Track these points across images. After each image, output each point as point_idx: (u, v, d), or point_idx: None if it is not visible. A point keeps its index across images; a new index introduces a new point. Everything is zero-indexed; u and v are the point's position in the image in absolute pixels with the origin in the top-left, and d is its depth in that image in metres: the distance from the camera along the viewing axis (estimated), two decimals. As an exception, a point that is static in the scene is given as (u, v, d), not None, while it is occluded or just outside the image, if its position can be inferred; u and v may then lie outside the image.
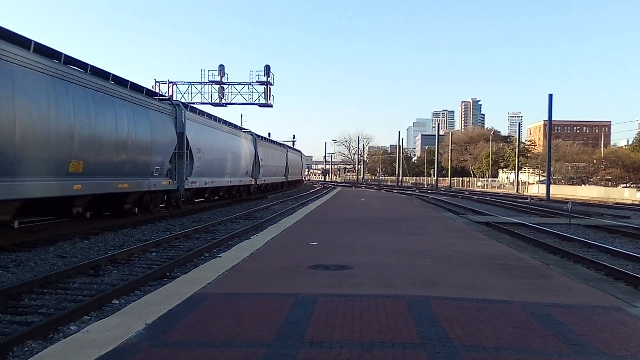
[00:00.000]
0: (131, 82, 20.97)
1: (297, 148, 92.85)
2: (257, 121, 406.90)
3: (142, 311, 6.35)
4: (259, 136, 46.80)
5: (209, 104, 55.68)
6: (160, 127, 22.95)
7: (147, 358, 4.79)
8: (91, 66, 17.79)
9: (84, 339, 5.35)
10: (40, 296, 9.25)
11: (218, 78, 55.97)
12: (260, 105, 56.70)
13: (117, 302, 8.81)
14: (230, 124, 37.93)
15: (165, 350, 5.00)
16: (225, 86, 56.29)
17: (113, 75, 19.36)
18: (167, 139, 23.75)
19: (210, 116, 33.22)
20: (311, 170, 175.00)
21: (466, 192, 66.43)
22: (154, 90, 23.82)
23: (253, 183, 43.24)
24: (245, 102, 56.72)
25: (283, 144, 67.30)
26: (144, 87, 22.46)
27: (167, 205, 25.67)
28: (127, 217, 20.91)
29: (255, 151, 43.66)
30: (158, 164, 22.58)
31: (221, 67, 56.18)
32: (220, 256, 11.07)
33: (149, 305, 6.62)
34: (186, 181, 26.00)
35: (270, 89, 56.04)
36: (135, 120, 20.34)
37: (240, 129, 42.11)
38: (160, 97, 24.96)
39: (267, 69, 55.72)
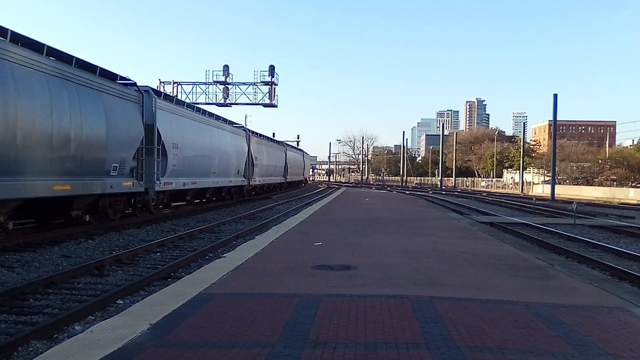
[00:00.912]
0: (78, 59, 16.94)
1: (301, 148, 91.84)
2: (261, 121, 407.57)
3: (146, 311, 6.35)
4: (252, 132, 42.84)
5: (214, 104, 55.83)
6: (120, 116, 18.77)
7: (152, 358, 4.80)
8: (12, 32, 13.97)
9: (88, 339, 5.36)
10: (45, 296, 9.27)
11: (222, 78, 56.10)
12: (265, 105, 56.79)
13: (121, 302, 8.82)
14: (218, 117, 34.13)
15: (170, 350, 5.00)
16: (229, 86, 56.43)
17: (48, 46, 15.41)
18: (130, 131, 19.58)
19: (191, 107, 29.44)
20: (316, 171, 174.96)
21: (470, 192, 66.37)
22: (115, 73, 19.34)
23: (246, 184, 39.18)
24: (249, 102, 56.86)
25: (281, 142, 62.19)
26: (97, 67, 18.14)
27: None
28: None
29: (249, 149, 39.59)
30: (117, 161, 18.56)
31: (226, 68, 56.28)
32: (224, 256, 11.08)
33: (153, 306, 6.63)
34: (158, 182, 21.90)
35: (274, 89, 56.12)
36: (82, 106, 16.36)
37: (231, 123, 37.84)
38: (123, 81, 20.22)
39: (272, 69, 55.80)
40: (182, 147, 24.87)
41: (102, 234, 17.07)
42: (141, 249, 14.05)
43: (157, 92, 22.76)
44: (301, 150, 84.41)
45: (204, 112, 31.24)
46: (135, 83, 21.06)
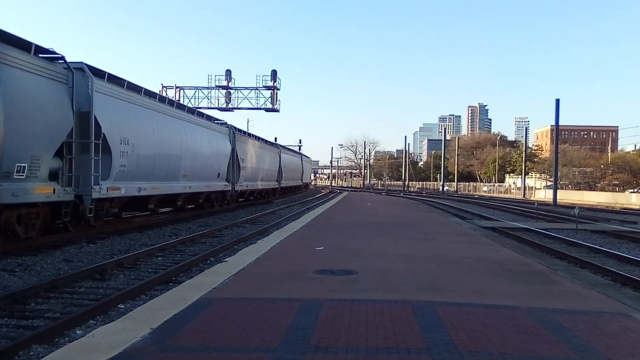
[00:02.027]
0: None
1: (302, 152, 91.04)
2: (263, 126, 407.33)
3: (147, 316, 6.35)
4: (238, 130, 37.09)
5: (216, 108, 56.12)
6: (32, 98, 13.93)
7: (153, 363, 4.79)
8: None
9: (89, 343, 5.35)
10: (46, 300, 9.27)
11: (225, 83, 56.34)
12: (267, 110, 56.99)
13: (122, 306, 8.81)
14: (192, 111, 28.94)
15: (171, 355, 5.00)
16: (232, 91, 56.69)
17: None
18: (48, 119, 14.54)
19: (152, 95, 22.94)
20: (318, 175, 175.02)
21: (472, 197, 66.32)
22: (31, 42, 14.33)
23: (230, 189, 33.67)
24: (251, 107, 57.12)
25: (275, 143, 55.89)
26: None
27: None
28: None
29: (234, 149, 34.22)
30: (24, 160, 13.69)
31: (228, 72, 56.50)
32: (226, 261, 11.06)
33: (155, 310, 6.62)
34: (97, 187, 16.62)
35: (276, 93, 56.36)
36: None
37: (211, 119, 32.81)
38: (40, 52, 14.96)
39: (274, 74, 55.99)
40: (137, 144, 19.53)
41: (104, 238, 17.06)
42: (143, 253, 14.05)
43: (97, 71, 17.44)
44: (299, 153, 79.30)
45: (172, 102, 25.81)
46: (63, 57, 15.80)
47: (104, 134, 17.00)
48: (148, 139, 20.81)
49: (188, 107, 29.19)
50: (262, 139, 47.24)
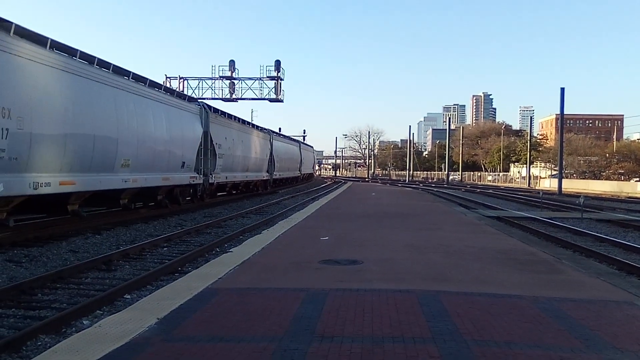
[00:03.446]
0: None
1: (306, 142, 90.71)
2: (267, 117, 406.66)
3: (154, 306, 6.38)
4: (213, 109, 29.61)
5: (220, 99, 55.96)
6: None
7: (159, 352, 4.82)
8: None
9: (96, 333, 5.39)
10: (53, 291, 9.32)
11: (229, 73, 56.16)
12: (271, 100, 56.84)
13: (129, 296, 8.86)
14: (138, 78, 20.42)
15: (177, 344, 5.03)
16: (235, 81, 56.50)
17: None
18: None
19: (66, 49, 15.73)
20: (322, 165, 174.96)
21: (477, 187, 66.25)
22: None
23: (201, 182, 26.61)
24: (255, 97, 56.94)
25: (267, 129, 46.51)
26: None
27: None
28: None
29: (207, 132, 27.27)
30: None
31: (232, 63, 56.32)
32: (231, 251, 11.10)
33: (161, 300, 6.65)
34: None
35: (280, 84, 56.17)
36: None
37: (172, 92, 25.82)
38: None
39: (278, 64, 55.82)
40: (28, 119, 13.25)
41: (110, 229, 17.12)
42: (148, 244, 14.10)
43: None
44: (298, 141, 70.29)
45: (102, 62, 17.61)
46: None
47: None
48: (54, 114, 14.52)
49: (134, 73, 20.19)
50: (247, 122, 40.07)
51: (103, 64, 17.86)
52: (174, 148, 22.94)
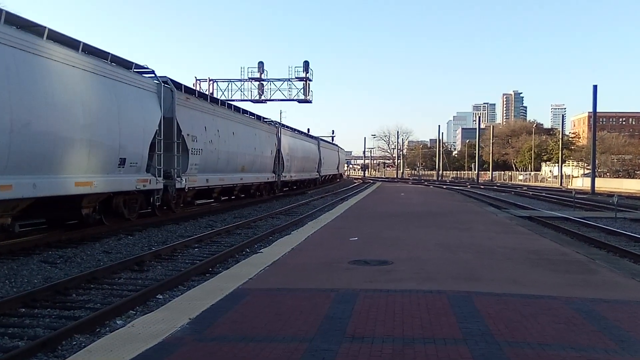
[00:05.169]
0: None
1: (336, 143, 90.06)
2: (296, 117, 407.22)
3: (185, 306, 6.45)
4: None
5: (249, 100, 56.37)
6: None
7: (192, 352, 4.87)
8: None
9: (129, 333, 5.47)
10: (87, 291, 9.47)
11: (257, 75, 56.53)
12: (299, 101, 57.03)
13: (161, 297, 8.96)
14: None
15: (209, 344, 5.07)
16: (264, 83, 56.87)
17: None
18: None
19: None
20: (351, 166, 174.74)
21: (508, 186, 65.52)
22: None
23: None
24: (284, 98, 57.20)
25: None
26: None
27: None
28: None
29: (174, 120, 20.33)
30: None
31: (260, 64, 56.67)
32: (261, 252, 11.15)
33: (192, 300, 6.72)
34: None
35: (309, 84, 56.33)
36: None
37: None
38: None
39: (306, 65, 55.96)
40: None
41: (142, 230, 17.34)
42: (179, 245, 14.24)
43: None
44: (315, 138, 59.97)
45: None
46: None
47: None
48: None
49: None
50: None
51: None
52: (101, 137, 15.57)
